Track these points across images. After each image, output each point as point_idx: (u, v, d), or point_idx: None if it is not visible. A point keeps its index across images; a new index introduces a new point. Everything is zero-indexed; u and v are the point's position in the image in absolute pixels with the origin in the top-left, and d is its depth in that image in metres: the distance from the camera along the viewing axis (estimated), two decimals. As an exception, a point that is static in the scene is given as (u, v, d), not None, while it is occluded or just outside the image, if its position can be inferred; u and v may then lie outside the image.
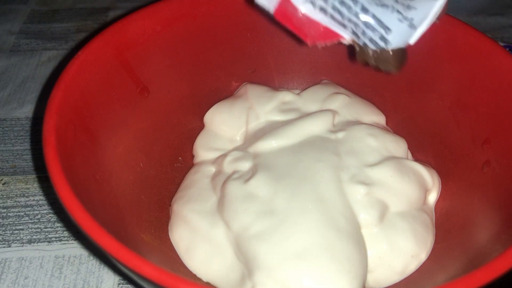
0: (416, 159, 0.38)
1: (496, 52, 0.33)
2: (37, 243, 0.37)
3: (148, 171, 0.36)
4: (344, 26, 0.28)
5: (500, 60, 0.32)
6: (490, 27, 0.57)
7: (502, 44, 0.49)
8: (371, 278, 0.31)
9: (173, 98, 0.39)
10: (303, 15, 0.27)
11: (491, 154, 0.32)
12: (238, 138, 0.38)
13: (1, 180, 0.41)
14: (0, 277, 0.34)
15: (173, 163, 0.38)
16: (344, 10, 0.27)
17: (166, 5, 0.36)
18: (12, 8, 0.60)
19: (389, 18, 0.27)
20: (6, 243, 0.37)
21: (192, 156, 0.39)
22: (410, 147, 0.37)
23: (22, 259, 0.36)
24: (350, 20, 0.27)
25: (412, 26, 0.28)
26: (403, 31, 0.27)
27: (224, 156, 0.36)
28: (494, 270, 0.22)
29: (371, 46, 0.28)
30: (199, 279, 0.31)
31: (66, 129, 0.28)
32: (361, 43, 0.28)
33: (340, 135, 0.35)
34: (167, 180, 0.37)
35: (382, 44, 0.27)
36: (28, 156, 0.43)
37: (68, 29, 0.57)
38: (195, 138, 0.39)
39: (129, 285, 0.34)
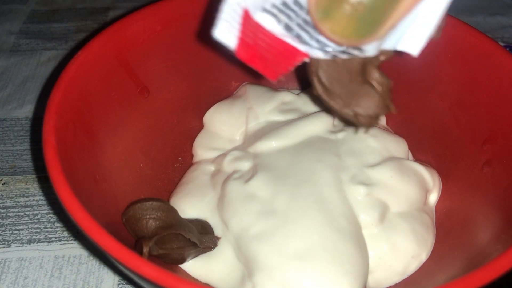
0: (416, 159, 0.38)
1: (496, 52, 0.33)
2: (36, 243, 0.37)
3: (148, 171, 0.36)
4: (308, 43, 0.25)
5: (500, 60, 0.32)
6: (490, 27, 0.57)
7: (502, 44, 0.49)
8: (371, 279, 0.31)
9: (173, 98, 0.39)
10: (264, 35, 0.25)
11: (491, 154, 0.32)
12: (238, 138, 0.38)
13: (1, 180, 0.41)
14: (0, 277, 0.34)
15: (173, 163, 0.38)
16: (309, 28, 0.24)
17: (166, 5, 0.36)
18: (12, 8, 0.60)
19: None
20: (6, 243, 0.36)
21: (192, 156, 0.39)
22: (410, 147, 0.37)
23: (22, 259, 0.36)
24: (318, 40, 0.25)
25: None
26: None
27: (223, 155, 0.36)
28: (494, 270, 0.22)
29: (342, 56, 0.25)
30: (199, 280, 0.31)
31: (66, 129, 0.28)
32: (330, 56, 0.25)
33: (340, 135, 0.35)
34: (167, 180, 0.37)
35: (356, 52, 0.25)
36: (28, 156, 0.43)
37: (68, 29, 0.57)
38: (195, 138, 0.39)
39: (129, 285, 0.34)
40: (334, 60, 0.26)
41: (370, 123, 0.27)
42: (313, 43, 0.25)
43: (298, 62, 0.26)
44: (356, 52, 0.25)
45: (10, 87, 0.49)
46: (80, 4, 0.61)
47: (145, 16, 0.35)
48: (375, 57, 0.26)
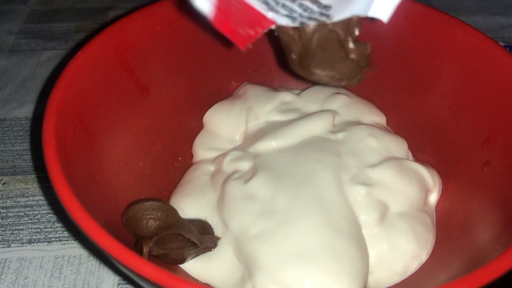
0: (417, 159, 0.38)
1: (496, 52, 0.33)
2: (37, 243, 0.37)
3: (147, 171, 0.36)
4: (275, 10, 0.25)
5: (500, 60, 0.32)
6: (490, 27, 0.57)
7: (502, 44, 0.49)
8: (371, 279, 0.31)
9: (173, 98, 0.39)
10: (236, 1, 0.25)
11: (491, 154, 0.32)
12: (238, 138, 0.38)
13: (1, 180, 0.41)
14: (0, 277, 0.34)
15: (173, 163, 0.38)
16: None
17: (166, 5, 0.36)
18: (12, 8, 0.60)
19: None
20: (6, 243, 0.36)
21: (192, 156, 0.39)
22: (410, 147, 0.37)
23: (22, 259, 0.36)
24: (284, 5, 0.25)
25: None
26: (343, 1, 0.25)
27: (223, 155, 0.36)
28: (494, 270, 0.22)
29: (311, 23, 0.25)
30: (199, 280, 0.31)
31: (66, 129, 0.28)
32: (298, 24, 0.25)
33: (341, 135, 0.35)
34: (167, 180, 0.37)
35: (323, 19, 0.25)
36: (28, 156, 0.43)
37: (68, 29, 0.57)
38: (195, 138, 0.39)
39: (129, 285, 0.34)
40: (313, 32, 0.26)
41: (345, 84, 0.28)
42: (280, 9, 0.25)
43: (264, 30, 0.25)
44: (323, 18, 0.25)
45: (10, 87, 0.49)
46: (80, 4, 0.61)
47: (145, 16, 0.35)
48: (350, 30, 0.26)
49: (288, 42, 0.27)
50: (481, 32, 0.34)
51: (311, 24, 0.25)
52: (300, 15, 0.25)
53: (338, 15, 0.25)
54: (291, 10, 0.25)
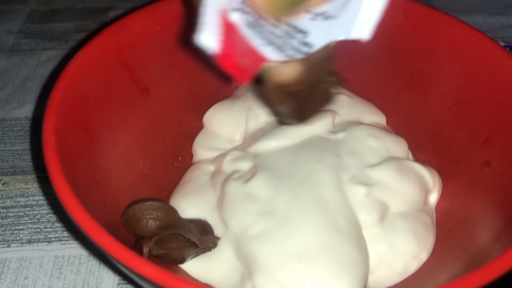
0: (417, 159, 0.38)
1: (496, 52, 0.33)
2: (36, 243, 0.37)
3: (147, 171, 0.36)
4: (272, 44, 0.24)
5: (500, 60, 0.32)
6: (490, 27, 0.57)
7: (502, 44, 0.49)
8: (371, 279, 0.31)
9: (173, 98, 0.39)
10: (238, 38, 0.23)
11: (491, 154, 0.32)
12: (238, 138, 0.38)
13: (1, 180, 0.41)
14: (0, 277, 0.34)
15: (173, 163, 0.38)
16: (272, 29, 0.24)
17: (166, 5, 0.36)
18: (12, 8, 0.60)
19: (302, 21, 0.24)
20: (6, 243, 0.36)
21: (192, 156, 0.39)
22: (410, 147, 0.37)
23: (22, 259, 0.36)
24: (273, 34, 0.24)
25: (328, 17, 0.24)
26: (321, 27, 0.24)
27: (223, 155, 0.36)
28: (494, 270, 0.22)
29: (296, 56, 0.24)
30: (199, 280, 0.31)
31: (66, 129, 0.28)
32: (285, 57, 0.24)
33: (340, 135, 0.35)
34: (167, 180, 0.37)
35: (306, 49, 0.24)
36: (28, 156, 0.43)
37: (68, 29, 0.57)
38: (195, 138, 0.39)
39: (129, 285, 0.34)
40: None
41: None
42: (274, 39, 0.24)
43: (264, 63, 0.25)
44: (305, 49, 0.24)
45: (10, 87, 0.49)
46: (80, 4, 0.61)
47: (145, 16, 0.35)
48: (331, 60, 0.26)
49: (282, 95, 0.26)
50: (481, 32, 0.34)
51: (298, 57, 0.25)
52: (285, 45, 0.24)
53: (319, 41, 0.24)
54: (276, 37, 0.24)
